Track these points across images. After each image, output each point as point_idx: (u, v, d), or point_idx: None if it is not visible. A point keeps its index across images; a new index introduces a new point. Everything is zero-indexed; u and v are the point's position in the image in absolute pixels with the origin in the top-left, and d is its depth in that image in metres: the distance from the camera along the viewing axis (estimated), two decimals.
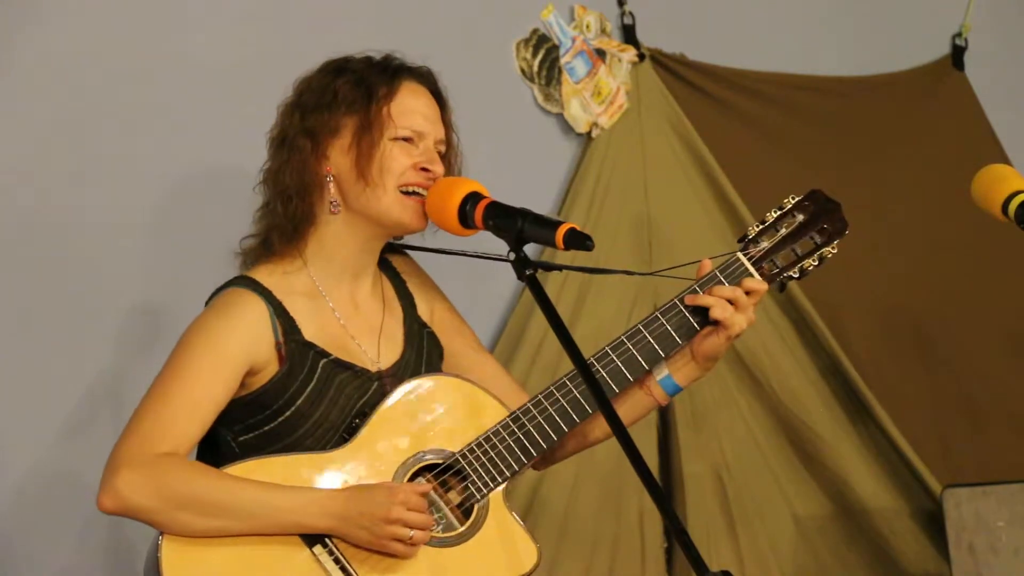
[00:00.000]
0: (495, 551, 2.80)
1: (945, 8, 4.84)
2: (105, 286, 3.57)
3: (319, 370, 2.86)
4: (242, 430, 2.88)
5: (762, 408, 4.35)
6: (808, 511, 4.39)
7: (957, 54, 4.83)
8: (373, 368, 2.91)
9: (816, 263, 2.96)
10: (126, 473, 2.72)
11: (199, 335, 2.84)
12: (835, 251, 2.97)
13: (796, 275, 2.96)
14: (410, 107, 2.91)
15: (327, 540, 2.77)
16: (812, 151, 4.50)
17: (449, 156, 2.98)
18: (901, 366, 4.58)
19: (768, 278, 2.94)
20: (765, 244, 2.95)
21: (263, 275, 2.91)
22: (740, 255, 2.94)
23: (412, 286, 3.06)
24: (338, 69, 2.94)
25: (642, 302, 4.16)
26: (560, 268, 3.29)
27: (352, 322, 2.94)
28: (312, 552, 2.76)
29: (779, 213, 2.97)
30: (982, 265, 4.68)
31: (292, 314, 2.88)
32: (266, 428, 2.86)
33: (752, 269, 2.93)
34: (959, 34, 4.83)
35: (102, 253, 3.58)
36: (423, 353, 2.99)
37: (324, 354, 2.87)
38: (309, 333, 2.88)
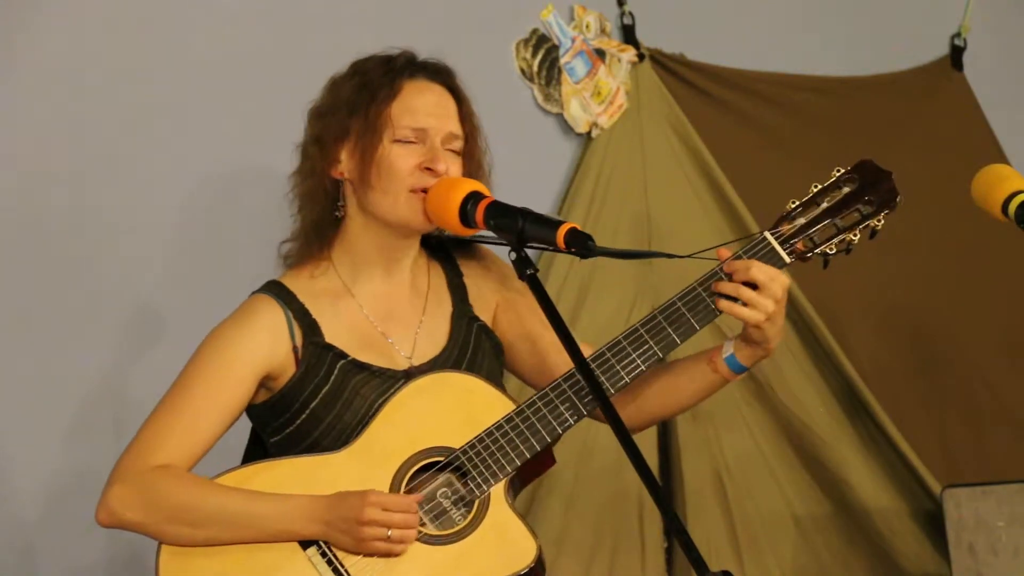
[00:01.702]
0: (492, 547, 2.78)
1: (944, 8, 4.84)
2: (105, 286, 3.57)
3: (335, 372, 2.86)
4: (271, 432, 2.91)
5: (762, 408, 4.35)
6: (808, 511, 4.39)
7: (956, 54, 4.83)
8: (404, 365, 2.90)
9: (860, 236, 2.82)
10: (118, 488, 2.78)
11: (208, 345, 2.86)
12: (882, 223, 2.83)
13: (833, 251, 2.83)
14: (413, 106, 2.88)
15: (320, 543, 2.77)
16: (812, 151, 4.49)
17: (470, 150, 2.92)
18: (901, 366, 4.58)
19: (799, 255, 2.83)
20: (801, 220, 2.83)
21: (291, 279, 2.92)
22: (767, 234, 2.83)
23: (470, 279, 3.02)
24: (353, 72, 2.92)
25: (642, 302, 4.17)
26: (611, 254, 2.93)
27: (384, 319, 2.93)
28: (306, 555, 2.77)
29: (822, 186, 2.84)
30: (982, 265, 4.68)
31: (315, 316, 2.88)
32: (288, 431, 2.88)
33: (779, 248, 2.83)
34: (958, 34, 4.83)
35: (102, 253, 3.58)
36: (469, 348, 2.95)
37: (342, 356, 2.87)
38: (331, 335, 2.88)
